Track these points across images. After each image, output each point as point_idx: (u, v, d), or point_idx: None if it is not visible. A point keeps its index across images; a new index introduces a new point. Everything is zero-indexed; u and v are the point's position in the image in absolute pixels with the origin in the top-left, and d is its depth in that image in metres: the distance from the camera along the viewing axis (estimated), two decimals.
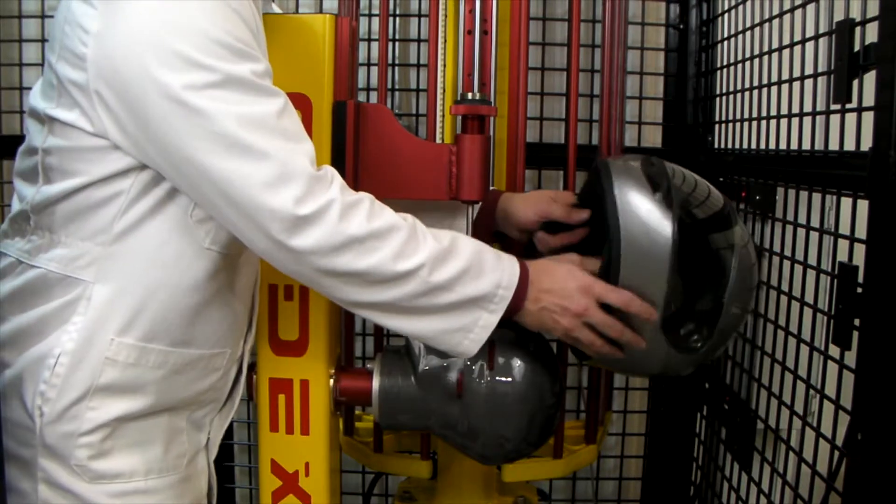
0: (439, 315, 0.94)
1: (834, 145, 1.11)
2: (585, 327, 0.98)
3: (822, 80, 1.18)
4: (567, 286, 0.98)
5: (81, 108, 0.85)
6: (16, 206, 0.95)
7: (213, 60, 0.81)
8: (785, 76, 1.29)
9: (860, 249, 1.02)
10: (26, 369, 0.89)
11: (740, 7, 1.50)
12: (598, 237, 1.04)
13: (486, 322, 0.96)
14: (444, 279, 0.92)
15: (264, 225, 0.84)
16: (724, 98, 1.59)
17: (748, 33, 1.45)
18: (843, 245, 1.08)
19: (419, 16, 1.75)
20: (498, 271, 0.96)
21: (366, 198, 0.91)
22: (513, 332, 1.13)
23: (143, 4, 0.81)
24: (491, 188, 1.26)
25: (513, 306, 0.97)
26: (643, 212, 0.99)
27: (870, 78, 1.01)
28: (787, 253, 1.29)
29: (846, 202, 1.08)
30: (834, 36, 1.11)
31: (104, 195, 0.88)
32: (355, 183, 1.10)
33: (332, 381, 1.13)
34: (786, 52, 1.29)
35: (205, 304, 0.95)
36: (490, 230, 1.27)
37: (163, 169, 0.87)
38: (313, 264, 0.87)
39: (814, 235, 1.18)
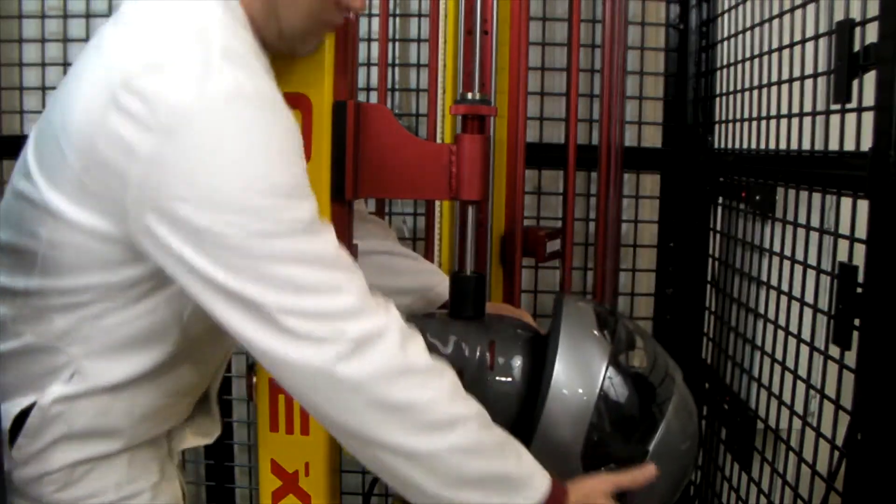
0: (474, 489, 0.84)
1: (834, 145, 1.11)
2: None
3: (822, 80, 1.18)
4: (598, 487, 0.94)
5: (112, 218, 0.81)
6: None
7: (275, 205, 0.78)
8: (785, 76, 1.29)
9: (860, 249, 1.02)
10: None
11: (740, 7, 1.50)
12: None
13: None
14: (490, 442, 0.85)
15: (321, 352, 0.79)
16: (724, 98, 1.59)
17: (748, 33, 1.45)
18: (844, 245, 1.08)
19: (419, 16, 1.75)
20: (534, 461, 0.89)
21: (419, 334, 0.87)
22: (512, 330, 1.13)
23: (206, 147, 0.76)
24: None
25: None
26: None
27: (870, 78, 1.01)
28: (787, 253, 1.29)
29: (846, 202, 1.08)
30: (834, 36, 1.11)
31: (103, 295, 0.87)
32: (355, 183, 1.10)
33: None
34: (786, 52, 1.29)
35: (182, 363, 0.96)
36: None
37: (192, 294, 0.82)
38: (370, 391, 0.80)
39: (814, 235, 1.18)
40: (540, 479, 0.88)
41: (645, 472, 0.96)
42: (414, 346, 0.84)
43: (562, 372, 0.99)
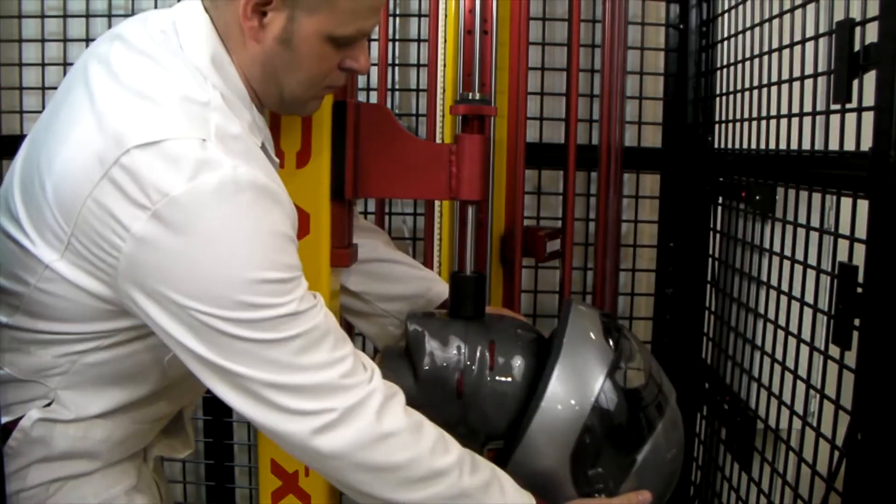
0: None
1: (834, 145, 1.11)
2: None
3: (822, 80, 1.18)
4: None
5: (103, 281, 0.82)
6: None
7: (262, 298, 0.78)
8: (785, 76, 1.29)
9: (860, 249, 1.02)
10: None
11: (740, 7, 1.50)
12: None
13: None
14: (473, 486, 0.88)
15: (301, 425, 0.82)
16: (724, 98, 1.59)
17: (748, 33, 1.45)
18: (844, 245, 1.08)
19: (419, 16, 1.75)
20: (519, 494, 0.92)
21: (400, 392, 0.89)
22: (512, 330, 1.13)
23: (197, 239, 0.76)
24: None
25: None
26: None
27: (870, 78, 1.01)
28: (787, 253, 1.29)
29: (846, 202, 1.08)
30: (834, 36, 1.11)
31: (86, 338, 0.88)
32: (355, 183, 1.10)
33: None
34: (786, 52, 1.29)
35: (161, 398, 0.98)
36: None
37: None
38: (350, 458, 0.83)
39: (814, 235, 1.18)
40: None
41: (640, 498, 0.98)
42: (392, 411, 0.86)
43: (564, 371, 1.01)
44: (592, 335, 1.05)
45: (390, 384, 0.88)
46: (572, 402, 0.99)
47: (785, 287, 1.29)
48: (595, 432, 0.99)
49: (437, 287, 1.26)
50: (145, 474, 1.03)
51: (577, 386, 1.00)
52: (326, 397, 0.82)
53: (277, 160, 0.95)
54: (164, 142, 0.76)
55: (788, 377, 1.25)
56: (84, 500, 0.94)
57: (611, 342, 1.05)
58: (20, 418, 0.89)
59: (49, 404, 0.90)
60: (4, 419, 0.89)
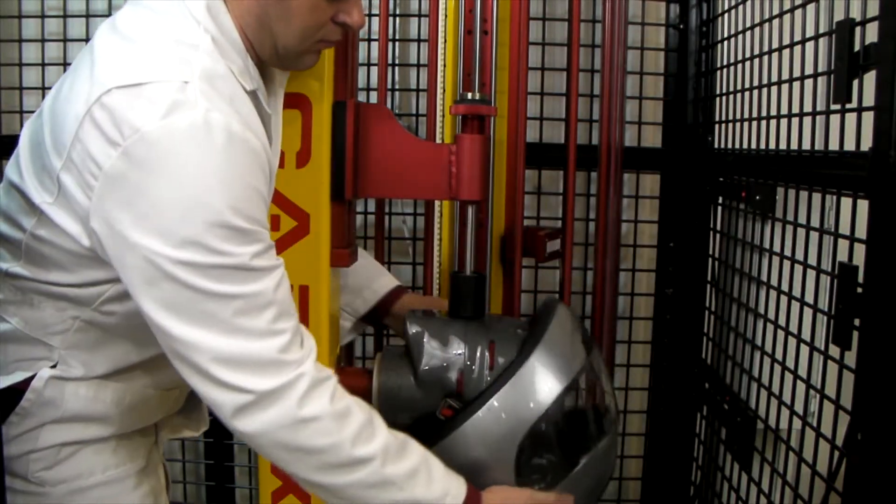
0: None
1: (834, 145, 1.11)
2: None
3: (822, 80, 1.18)
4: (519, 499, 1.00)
5: (83, 225, 0.83)
6: None
7: (217, 243, 0.78)
8: (785, 76, 1.29)
9: (860, 249, 1.02)
10: None
11: (740, 7, 1.50)
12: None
13: None
14: (396, 474, 0.89)
15: (227, 399, 0.83)
16: (724, 98, 1.59)
17: (748, 33, 1.45)
18: (844, 245, 1.08)
19: (419, 16, 1.75)
20: (447, 481, 0.93)
21: (333, 377, 0.89)
22: (512, 330, 1.13)
23: (161, 176, 0.77)
24: (397, 285, 1.30)
25: None
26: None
27: (870, 78, 1.01)
28: (787, 253, 1.29)
29: (846, 202, 1.08)
30: (834, 36, 1.11)
31: (82, 290, 0.89)
32: (355, 183, 1.10)
33: None
34: (786, 52, 1.29)
35: (164, 359, 0.97)
36: (381, 321, 1.31)
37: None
38: (269, 439, 0.84)
39: (814, 235, 1.18)
40: (452, 497, 0.92)
41: (564, 500, 1.01)
42: (317, 396, 0.85)
43: (544, 354, 1.04)
44: (574, 332, 1.10)
45: (322, 368, 0.88)
46: (542, 385, 1.02)
47: (785, 287, 1.29)
48: (554, 423, 1.03)
49: (383, 279, 1.27)
50: (154, 458, 1.05)
51: (554, 368, 1.04)
52: (254, 373, 0.82)
53: (270, 112, 0.95)
54: (146, 84, 0.78)
55: (788, 377, 1.25)
56: (92, 471, 0.95)
57: (585, 346, 1.10)
58: (31, 378, 0.91)
59: (55, 366, 0.92)
60: (15, 379, 0.91)
